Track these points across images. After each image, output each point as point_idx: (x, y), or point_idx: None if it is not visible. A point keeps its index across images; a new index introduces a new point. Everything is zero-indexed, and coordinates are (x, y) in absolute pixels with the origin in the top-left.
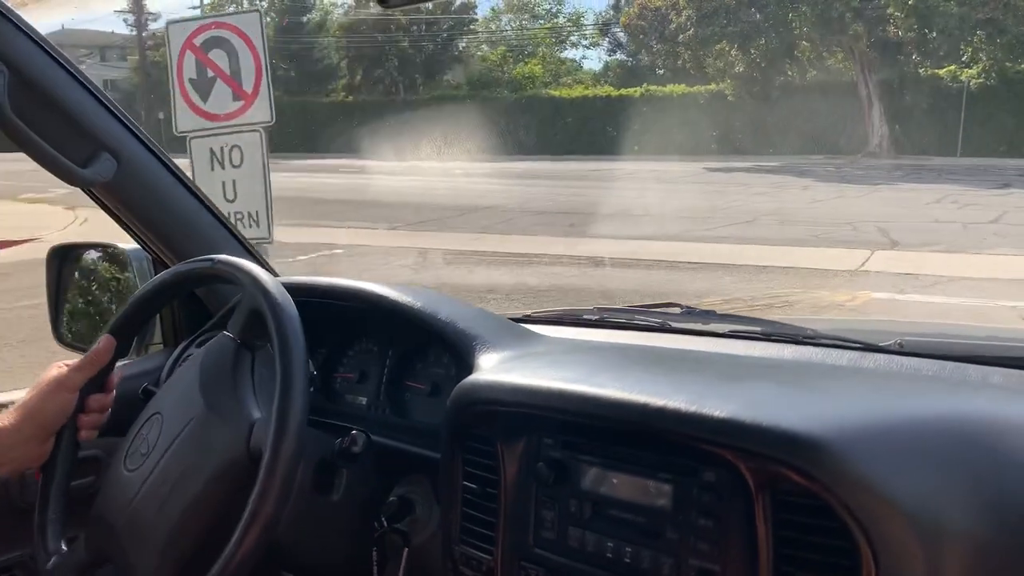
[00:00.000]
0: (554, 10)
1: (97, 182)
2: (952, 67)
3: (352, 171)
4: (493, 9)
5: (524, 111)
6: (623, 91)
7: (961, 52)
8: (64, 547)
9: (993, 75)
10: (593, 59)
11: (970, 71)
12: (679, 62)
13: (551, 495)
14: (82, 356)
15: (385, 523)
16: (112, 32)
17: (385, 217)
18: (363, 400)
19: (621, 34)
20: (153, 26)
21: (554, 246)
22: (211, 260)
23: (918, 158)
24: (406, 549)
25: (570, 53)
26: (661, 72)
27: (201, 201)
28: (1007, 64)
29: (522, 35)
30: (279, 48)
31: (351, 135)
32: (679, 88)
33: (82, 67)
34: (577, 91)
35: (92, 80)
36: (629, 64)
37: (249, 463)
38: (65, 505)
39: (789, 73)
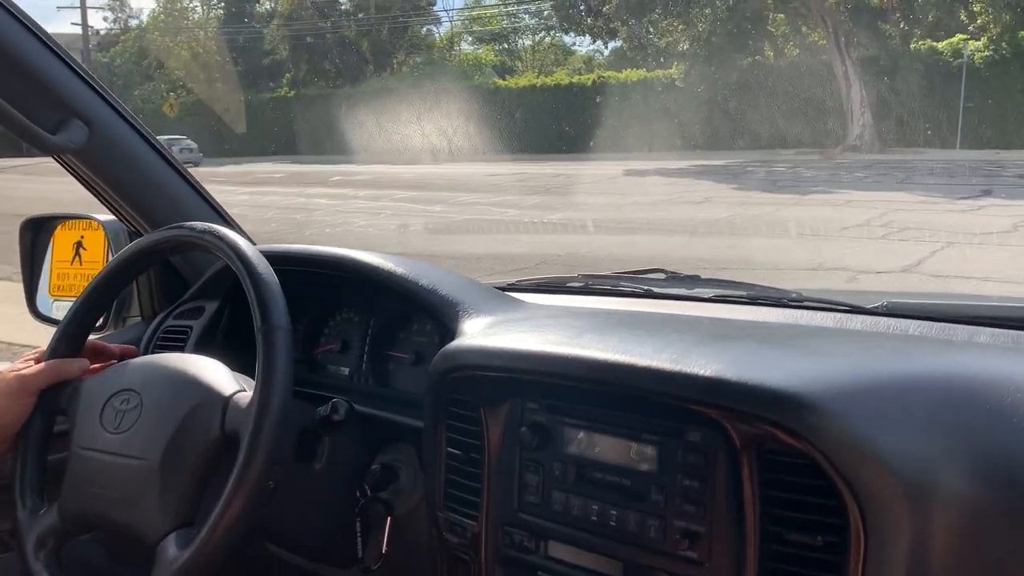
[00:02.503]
0: None
1: (68, 149)
2: (956, 38)
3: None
4: None
5: (469, 103)
6: (575, 79)
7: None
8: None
9: (1004, 46)
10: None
11: (976, 43)
12: (617, 40)
13: (535, 459)
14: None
15: (368, 491)
16: (99, 32)
17: None
18: (345, 370)
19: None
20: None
21: None
22: (188, 227)
23: (907, 152)
24: (389, 518)
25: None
26: (663, 58)
27: (176, 169)
28: (1021, 33)
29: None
30: (229, 40)
31: (282, 135)
32: (636, 74)
33: None
34: (524, 80)
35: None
36: (624, 49)
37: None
38: (42, 468)
39: (754, 53)
